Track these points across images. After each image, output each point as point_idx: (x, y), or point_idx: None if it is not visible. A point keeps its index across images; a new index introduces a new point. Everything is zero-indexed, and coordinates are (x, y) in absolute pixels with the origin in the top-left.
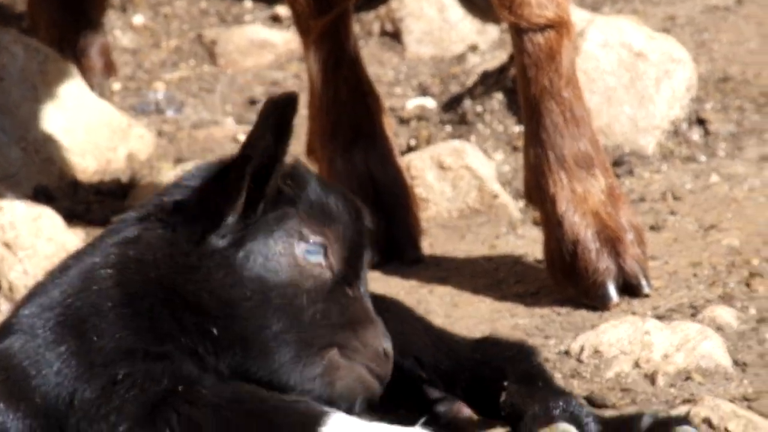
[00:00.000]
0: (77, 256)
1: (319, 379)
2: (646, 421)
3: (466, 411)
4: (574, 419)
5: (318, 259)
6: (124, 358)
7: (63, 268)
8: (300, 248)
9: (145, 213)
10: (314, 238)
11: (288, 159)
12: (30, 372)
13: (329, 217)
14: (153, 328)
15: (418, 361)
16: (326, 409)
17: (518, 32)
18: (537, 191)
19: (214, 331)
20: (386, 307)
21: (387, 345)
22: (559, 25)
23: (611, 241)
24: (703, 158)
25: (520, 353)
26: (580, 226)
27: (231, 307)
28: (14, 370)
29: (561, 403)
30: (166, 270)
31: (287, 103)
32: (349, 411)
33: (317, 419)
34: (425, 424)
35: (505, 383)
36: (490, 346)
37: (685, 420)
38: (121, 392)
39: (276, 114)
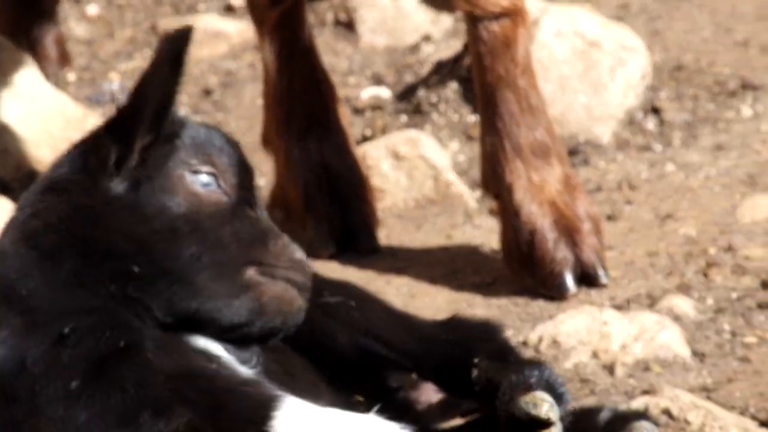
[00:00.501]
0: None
1: (245, 298)
2: (604, 415)
3: (428, 395)
4: (551, 388)
5: (211, 186)
6: (65, 314)
7: None
8: (193, 179)
9: (53, 174)
10: (204, 168)
11: None
12: None
13: (213, 149)
14: (81, 283)
15: (385, 343)
16: (278, 393)
17: (473, 21)
18: (493, 180)
19: (136, 269)
20: (348, 292)
21: (299, 253)
22: (515, 14)
23: (568, 231)
24: (658, 147)
25: (488, 331)
26: (537, 215)
27: (144, 244)
28: None
29: (537, 372)
30: (77, 224)
31: (182, 36)
32: (283, 330)
33: (269, 404)
34: (382, 410)
35: (476, 360)
36: (457, 326)
37: (643, 415)
38: (69, 349)
39: (171, 48)
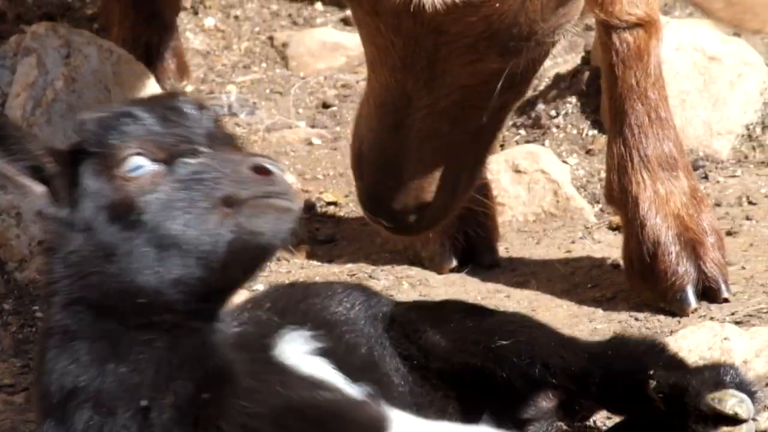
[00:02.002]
0: None
1: (229, 234)
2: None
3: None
4: (742, 385)
5: (142, 168)
6: (135, 388)
7: None
8: (119, 172)
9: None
10: (125, 155)
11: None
12: None
13: (127, 129)
14: (119, 344)
15: (546, 366)
16: (388, 412)
17: (607, 29)
18: (619, 191)
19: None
20: (506, 318)
21: (263, 161)
22: (648, 24)
23: (692, 245)
24: None
25: (655, 346)
26: (661, 227)
27: (121, 262)
28: None
29: (728, 370)
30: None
31: None
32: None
33: (380, 425)
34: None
35: (651, 372)
36: (621, 344)
37: None
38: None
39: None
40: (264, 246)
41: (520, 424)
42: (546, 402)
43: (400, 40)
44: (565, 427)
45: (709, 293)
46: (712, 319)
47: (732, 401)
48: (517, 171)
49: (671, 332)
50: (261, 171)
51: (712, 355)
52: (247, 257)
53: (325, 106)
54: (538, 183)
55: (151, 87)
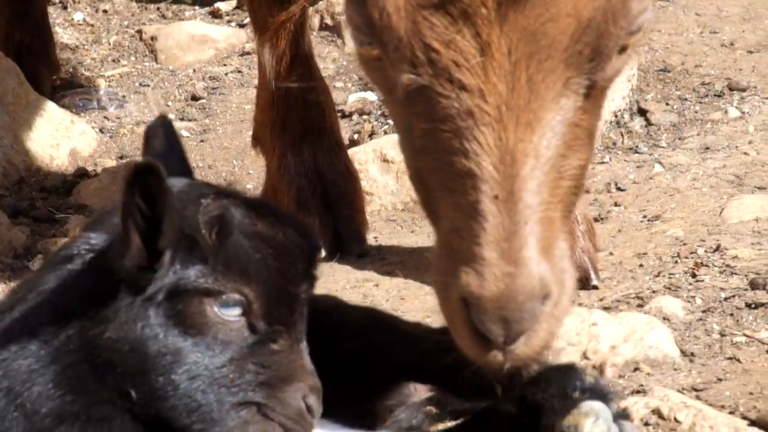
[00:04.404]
0: (11, 307)
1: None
2: None
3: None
4: (595, 391)
5: (234, 315)
6: (65, 422)
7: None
8: (214, 304)
9: (69, 263)
10: (230, 295)
11: (215, 199)
12: None
13: (251, 271)
14: (83, 388)
15: (390, 365)
16: None
17: None
18: None
19: (132, 392)
20: (353, 317)
21: (311, 401)
22: None
23: None
24: (645, 149)
25: None
26: None
27: (146, 362)
28: None
29: (575, 382)
30: (85, 323)
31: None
32: None
33: None
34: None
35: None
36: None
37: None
38: None
39: (140, 182)
40: None
41: (388, 412)
42: (415, 393)
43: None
44: (435, 411)
45: (578, 281)
46: (580, 305)
47: (588, 424)
48: (385, 161)
49: None
50: (310, 409)
51: (580, 341)
52: None
53: (194, 98)
54: (406, 172)
55: (20, 83)
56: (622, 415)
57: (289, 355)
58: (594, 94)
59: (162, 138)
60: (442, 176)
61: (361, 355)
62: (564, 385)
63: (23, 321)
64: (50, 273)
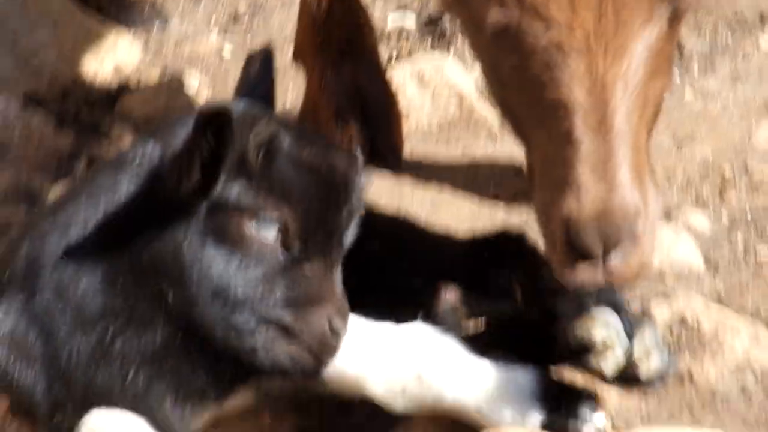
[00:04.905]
0: (64, 204)
1: (257, 349)
2: None
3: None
4: (608, 301)
5: (270, 234)
6: (108, 318)
7: (49, 213)
8: (253, 222)
9: (123, 169)
10: (268, 214)
11: (267, 124)
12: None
13: (292, 195)
14: (128, 289)
15: (410, 265)
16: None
17: None
18: None
19: (169, 296)
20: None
21: (336, 323)
22: None
23: None
24: (677, 76)
25: (511, 243)
26: None
27: (183, 270)
28: (17, 328)
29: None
30: (132, 228)
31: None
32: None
33: None
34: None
35: (514, 281)
36: (477, 244)
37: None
38: (117, 346)
39: (212, 125)
40: (270, 367)
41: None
42: (446, 296)
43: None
44: (466, 313)
45: None
46: None
47: (598, 330)
48: (422, 80)
49: None
50: (334, 331)
51: None
52: (254, 360)
53: (237, 17)
54: (442, 92)
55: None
56: (641, 320)
57: (321, 279)
58: (675, 22)
59: (258, 67)
60: (534, 109)
61: (389, 256)
62: (579, 294)
63: (74, 219)
64: (103, 176)
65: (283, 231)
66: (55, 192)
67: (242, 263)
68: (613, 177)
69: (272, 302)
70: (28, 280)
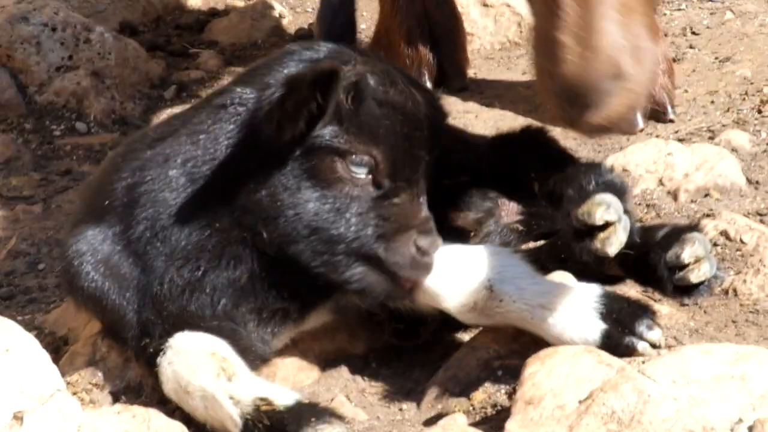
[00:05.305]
0: (164, 137)
1: (351, 281)
2: (663, 230)
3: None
4: (610, 187)
5: (362, 172)
6: (202, 257)
7: (150, 144)
8: (345, 162)
9: (222, 111)
10: (359, 155)
11: (355, 66)
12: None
13: (380, 135)
14: (222, 227)
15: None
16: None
17: None
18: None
19: (265, 234)
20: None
21: (422, 242)
22: None
23: None
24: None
25: (532, 137)
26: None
27: (279, 209)
28: (113, 254)
29: (592, 176)
30: (230, 168)
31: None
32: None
33: None
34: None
35: (533, 174)
36: (502, 140)
37: (695, 227)
38: (209, 279)
39: (322, 82)
40: (364, 296)
41: (472, 226)
42: (503, 212)
43: None
44: (521, 229)
45: (656, 114)
46: (657, 137)
47: (599, 211)
48: (485, 5)
49: (621, 148)
50: (421, 251)
51: (657, 169)
52: (349, 289)
53: None
54: (503, 15)
55: None
56: (694, 227)
57: (409, 208)
58: None
59: None
60: None
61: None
62: (583, 180)
63: (174, 155)
64: (203, 115)
65: (374, 169)
66: (150, 119)
67: (336, 202)
68: (590, 40)
69: (365, 238)
70: (127, 209)
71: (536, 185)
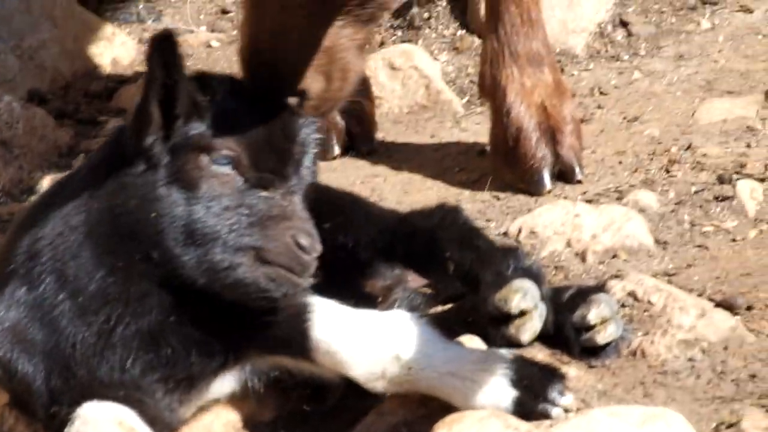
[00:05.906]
0: (55, 193)
1: (239, 281)
2: (570, 291)
3: (416, 281)
4: (528, 272)
5: (226, 168)
6: (109, 304)
7: (43, 205)
8: (206, 160)
9: (104, 149)
10: (221, 151)
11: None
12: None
13: (240, 125)
14: (120, 266)
15: (356, 242)
16: (308, 301)
17: None
18: (490, 82)
19: (154, 254)
20: (326, 195)
21: (302, 240)
22: None
23: (551, 132)
24: (626, 57)
25: (446, 217)
26: (524, 116)
27: (159, 222)
28: (20, 320)
29: (509, 262)
30: (112, 197)
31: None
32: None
33: (302, 315)
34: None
35: (447, 254)
36: (416, 217)
37: (601, 289)
38: (119, 332)
39: (159, 51)
40: (255, 297)
41: (380, 293)
42: (396, 269)
43: None
44: (428, 292)
45: (564, 175)
46: (565, 198)
47: (516, 299)
48: (393, 68)
49: (529, 210)
50: (301, 247)
51: (565, 230)
52: (239, 295)
53: (224, 12)
54: (411, 78)
55: None
56: (600, 289)
57: (280, 201)
58: None
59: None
60: None
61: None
62: (500, 264)
63: (68, 198)
64: (87, 164)
65: (237, 161)
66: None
67: (205, 199)
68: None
69: (239, 230)
70: (29, 266)
71: (451, 265)
